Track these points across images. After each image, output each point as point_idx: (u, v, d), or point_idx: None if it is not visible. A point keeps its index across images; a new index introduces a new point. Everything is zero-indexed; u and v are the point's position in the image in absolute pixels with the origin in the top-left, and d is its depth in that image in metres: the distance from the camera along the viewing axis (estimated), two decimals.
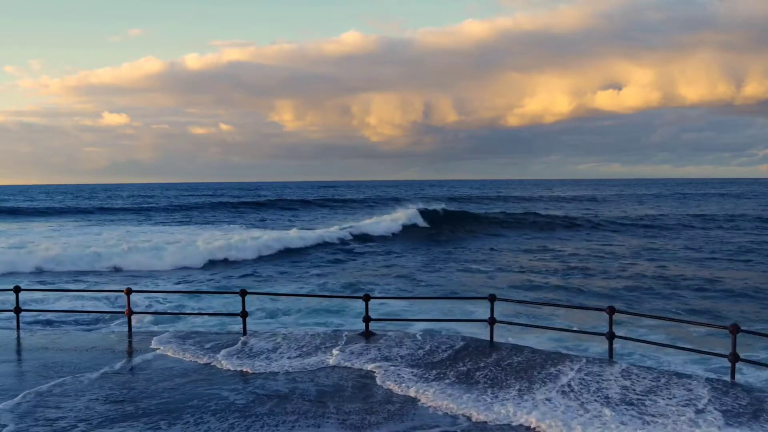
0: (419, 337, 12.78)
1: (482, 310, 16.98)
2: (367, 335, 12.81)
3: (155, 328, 16.65)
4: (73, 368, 10.93)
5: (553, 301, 22.08)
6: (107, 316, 18.26)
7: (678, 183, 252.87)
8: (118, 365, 11.09)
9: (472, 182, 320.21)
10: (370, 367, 10.94)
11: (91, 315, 18.20)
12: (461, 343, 12.24)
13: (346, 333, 13.21)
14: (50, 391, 9.69)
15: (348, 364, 11.16)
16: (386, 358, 11.35)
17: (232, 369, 11.02)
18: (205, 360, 11.53)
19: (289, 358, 11.62)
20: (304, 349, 12.12)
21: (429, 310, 20.11)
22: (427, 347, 12.03)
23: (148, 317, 17.98)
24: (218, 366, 11.20)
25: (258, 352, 12.00)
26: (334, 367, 11.08)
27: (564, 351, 14.06)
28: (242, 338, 12.97)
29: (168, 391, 9.73)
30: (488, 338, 12.38)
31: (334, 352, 11.80)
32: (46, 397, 9.39)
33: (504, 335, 15.41)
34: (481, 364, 10.88)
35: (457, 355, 11.50)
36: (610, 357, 11.13)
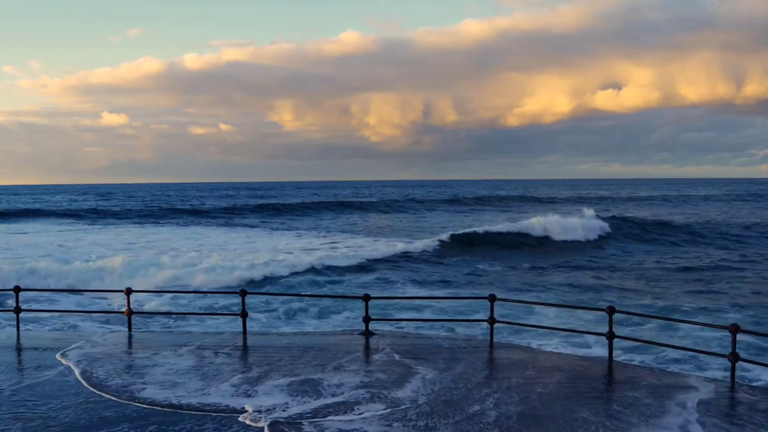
0: (419, 344, 12.59)
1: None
2: (367, 335, 12.81)
3: (156, 329, 16.67)
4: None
5: None
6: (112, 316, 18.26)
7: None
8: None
9: (474, 182, 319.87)
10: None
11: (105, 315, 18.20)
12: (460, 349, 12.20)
13: (345, 335, 13.20)
14: None
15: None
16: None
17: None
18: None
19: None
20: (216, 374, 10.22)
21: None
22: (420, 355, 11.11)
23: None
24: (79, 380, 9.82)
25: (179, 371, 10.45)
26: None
27: (579, 354, 14.04)
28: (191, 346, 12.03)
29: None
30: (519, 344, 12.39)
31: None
32: None
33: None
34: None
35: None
36: (610, 356, 11.11)
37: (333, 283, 28.73)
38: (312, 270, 30.95)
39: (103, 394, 9.25)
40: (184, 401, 8.92)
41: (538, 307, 20.37)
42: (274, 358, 11.21)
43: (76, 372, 10.40)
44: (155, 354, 11.64)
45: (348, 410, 8.49)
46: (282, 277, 29.50)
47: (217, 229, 55.89)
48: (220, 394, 9.21)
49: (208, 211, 78.68)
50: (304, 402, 8.84)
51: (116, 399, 9.03)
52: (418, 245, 39.31)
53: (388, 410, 8.47)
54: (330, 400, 8.90)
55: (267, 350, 11.86)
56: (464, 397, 8.98)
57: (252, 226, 59.12)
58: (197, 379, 10.00)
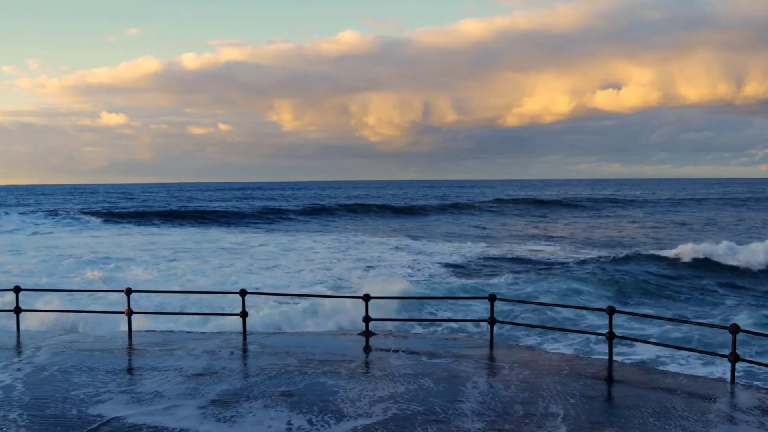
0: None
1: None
2: (368, 335, 12.80)
3: (157, 329, 16.62)
4: None
5: None
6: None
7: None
8: None
9: (474, 182, 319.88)
10: None
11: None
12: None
13: (345, 335, 13.16)
14: None
15: None
16: None
17: None
18: None
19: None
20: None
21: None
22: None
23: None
24: None
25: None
26: None
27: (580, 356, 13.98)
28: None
29: None
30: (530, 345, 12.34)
31: None
32: None
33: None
34: None
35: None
36: (610, 357, 11.11)
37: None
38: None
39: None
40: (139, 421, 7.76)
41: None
42: (277, 361, 10.86)
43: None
44: (141, 356, 11.50)
45: None
46: None
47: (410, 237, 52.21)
48: (195, 415, 8.02)
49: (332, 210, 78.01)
50: (324, 425, 7.60)
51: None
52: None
53: None
54: (359, 423, 7.70)
55: (268, 352, 11.68)
56: (531, 412, 8.19)
57: (415, 237, 52.79)
58: (178, 388, 9.25)
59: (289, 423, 7.67)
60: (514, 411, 8.22)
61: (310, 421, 7.71)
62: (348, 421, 7.74)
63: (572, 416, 8.04)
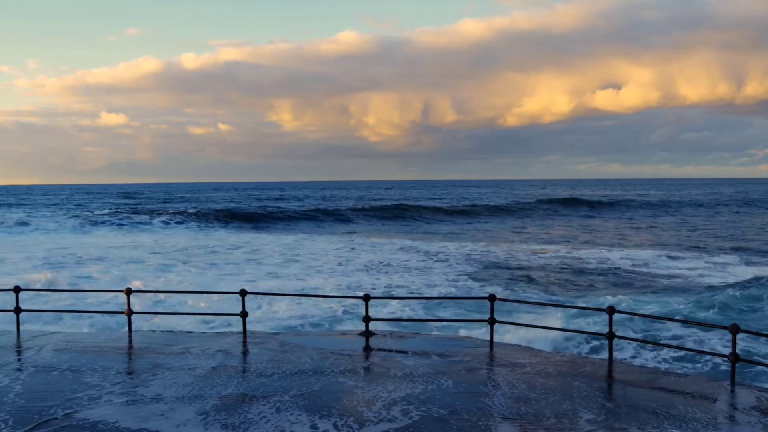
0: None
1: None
2: (367, 335, 12.79)
3: (158, 329, 16.64)
4: None
5: None
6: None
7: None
8: None
9: (474, 182, 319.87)
10: None
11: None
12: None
13: (345, 335, 13.15)
14: None
15: None
16: None
17: None
18: None
19: None
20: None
21: None
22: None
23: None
24: None
25: None
26: None
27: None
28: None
29: None
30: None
31: None
32: None
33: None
34: None
35: None
36: (610, 357, 11.11)
37: None
38: None
39: None
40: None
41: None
42: (282, 363, 10.75)
43: None
44: (141, 356, 11.46)
45: None
46: None
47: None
48: (196, 421, 7.78)
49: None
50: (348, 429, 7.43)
51: None
52: None
53: None
54: (386, 427, 7.55)
55: (271, 351, 11.66)
56: (561, 410, 8.20)
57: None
58: (174, 393, 9.02)
59: (314, 426, 7.64)
60: (529, 412, 8.21)
61: (335, 426, 7.67)
62: (369, 426, 7.70)
63: (601, 420, 7.98)
